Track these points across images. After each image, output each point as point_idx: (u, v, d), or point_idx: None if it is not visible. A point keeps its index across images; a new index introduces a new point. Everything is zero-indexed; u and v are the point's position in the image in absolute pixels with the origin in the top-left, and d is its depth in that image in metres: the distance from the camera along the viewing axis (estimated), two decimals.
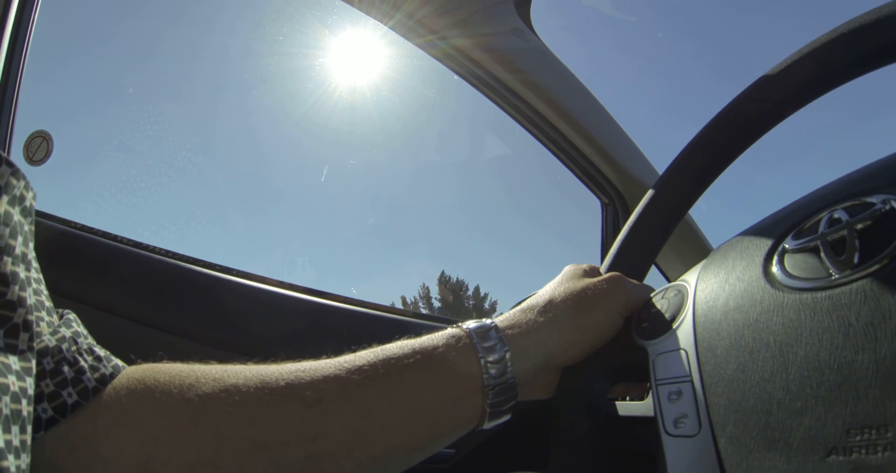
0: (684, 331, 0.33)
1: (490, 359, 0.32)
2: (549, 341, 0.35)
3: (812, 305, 0.27)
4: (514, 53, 0.92)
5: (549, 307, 0.36)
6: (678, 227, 0.46)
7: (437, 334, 0.33)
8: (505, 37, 0.91)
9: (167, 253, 0.72)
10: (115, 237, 0.73)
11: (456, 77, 0.94)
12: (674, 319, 0.34)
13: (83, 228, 0.73)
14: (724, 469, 0.26)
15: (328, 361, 0.30)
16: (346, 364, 0.30)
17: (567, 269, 0.41)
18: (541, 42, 0.93)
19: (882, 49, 0.35)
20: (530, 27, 0.92)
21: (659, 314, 0.36)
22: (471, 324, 0.34)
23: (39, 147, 0.75)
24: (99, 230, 0.72)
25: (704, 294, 0.34)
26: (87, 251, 0.68)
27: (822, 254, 0.29)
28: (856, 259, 0.27)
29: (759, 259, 0.32)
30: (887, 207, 0.28)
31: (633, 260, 0.44)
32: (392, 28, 0.87)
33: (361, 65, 1.25)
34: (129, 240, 0.73)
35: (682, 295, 0.36)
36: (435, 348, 0.32)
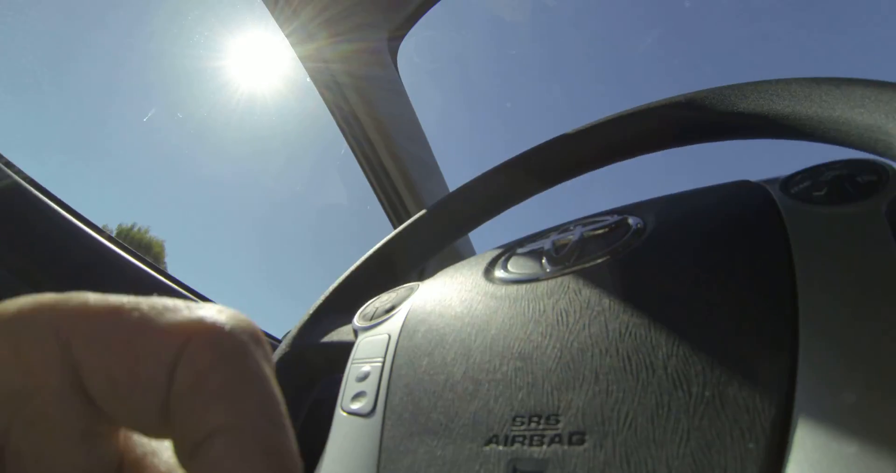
0: (396, 319, 0.34)
1: None
2: None
3: (516, 294, 0.28)
4: (371, 80, 0.97)
5: None
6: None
7: None
8: (370, 66, 0.97)
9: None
10: None
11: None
12: (392, 309, 0.35)
13: None
14: (381, 450, 0.25)
15: None
16: None
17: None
18: (396, 73, 1.00)
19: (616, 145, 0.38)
20: (394, 61, 1.00)
21: (381, 305, 0.37)
22: None
23: None
24: None
25: (427, 288, 0.35)
26: None
27: (544, 257, 0.30)
28: (572, 261, 0.28)
29: (487, 262, 0.34)
30: (616, 220, 0.30)
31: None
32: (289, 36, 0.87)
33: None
34: None
35: (410, 291, 0.37)
36: None
